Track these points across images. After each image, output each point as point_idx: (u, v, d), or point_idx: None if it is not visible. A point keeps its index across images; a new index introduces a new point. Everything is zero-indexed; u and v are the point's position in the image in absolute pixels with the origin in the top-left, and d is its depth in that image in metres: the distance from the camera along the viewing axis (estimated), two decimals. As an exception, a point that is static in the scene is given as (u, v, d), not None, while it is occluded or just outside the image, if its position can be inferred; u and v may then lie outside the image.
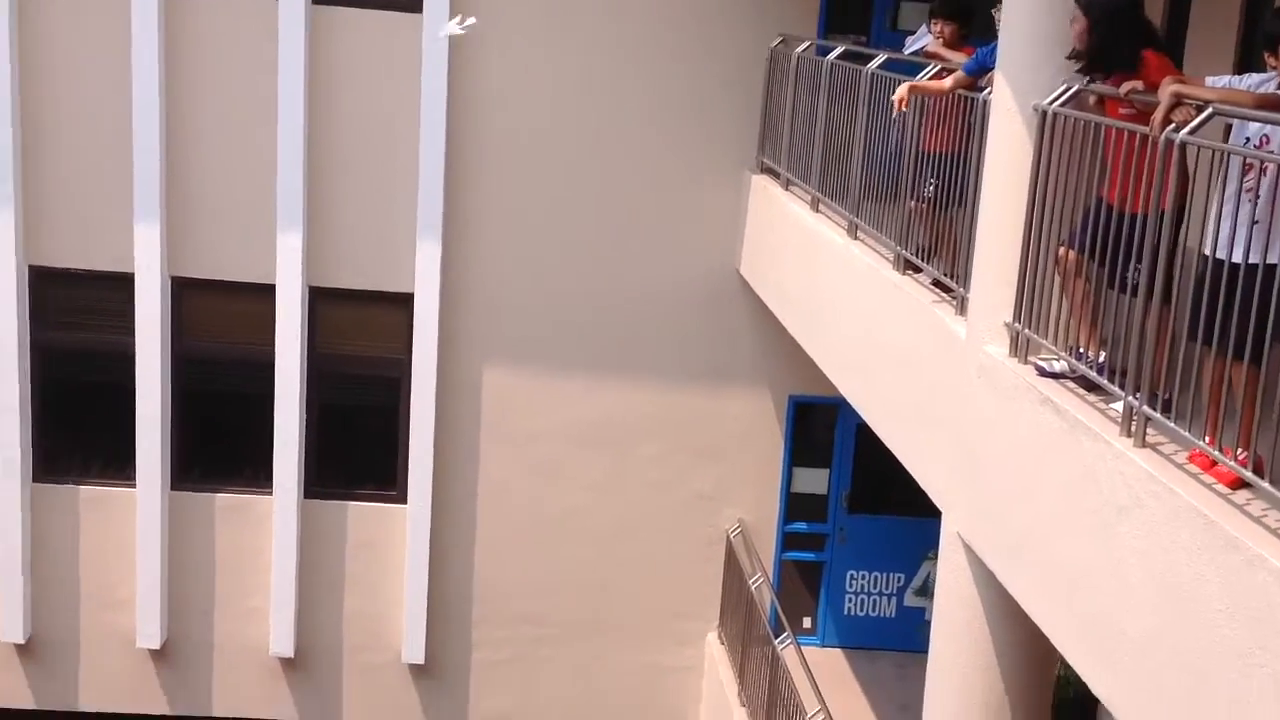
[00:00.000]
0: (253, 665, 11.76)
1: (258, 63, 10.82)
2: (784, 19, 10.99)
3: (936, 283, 7.25)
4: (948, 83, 7.30)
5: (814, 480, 11.97)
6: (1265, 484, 4.26)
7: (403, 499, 11.60)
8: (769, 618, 10.42)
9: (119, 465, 11.48)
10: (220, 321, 11.55)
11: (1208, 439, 4.68)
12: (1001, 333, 6.15)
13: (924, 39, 8.74)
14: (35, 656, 11.67)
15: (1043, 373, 5.79)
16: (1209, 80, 5.42)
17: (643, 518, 11.81)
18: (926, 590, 11.74)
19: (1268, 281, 4.34)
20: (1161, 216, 4.99)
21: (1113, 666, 4.84)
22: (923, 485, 6.98)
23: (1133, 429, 4.95)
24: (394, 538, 11.66)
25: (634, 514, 11.80)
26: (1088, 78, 5.83)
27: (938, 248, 7.37)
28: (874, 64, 8.36)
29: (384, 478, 11.73)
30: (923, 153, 7.54)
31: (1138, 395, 4.96)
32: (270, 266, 11.10)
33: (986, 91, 6.63)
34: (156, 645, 11.57)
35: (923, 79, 7.62)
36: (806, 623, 12.05)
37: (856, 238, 8.44)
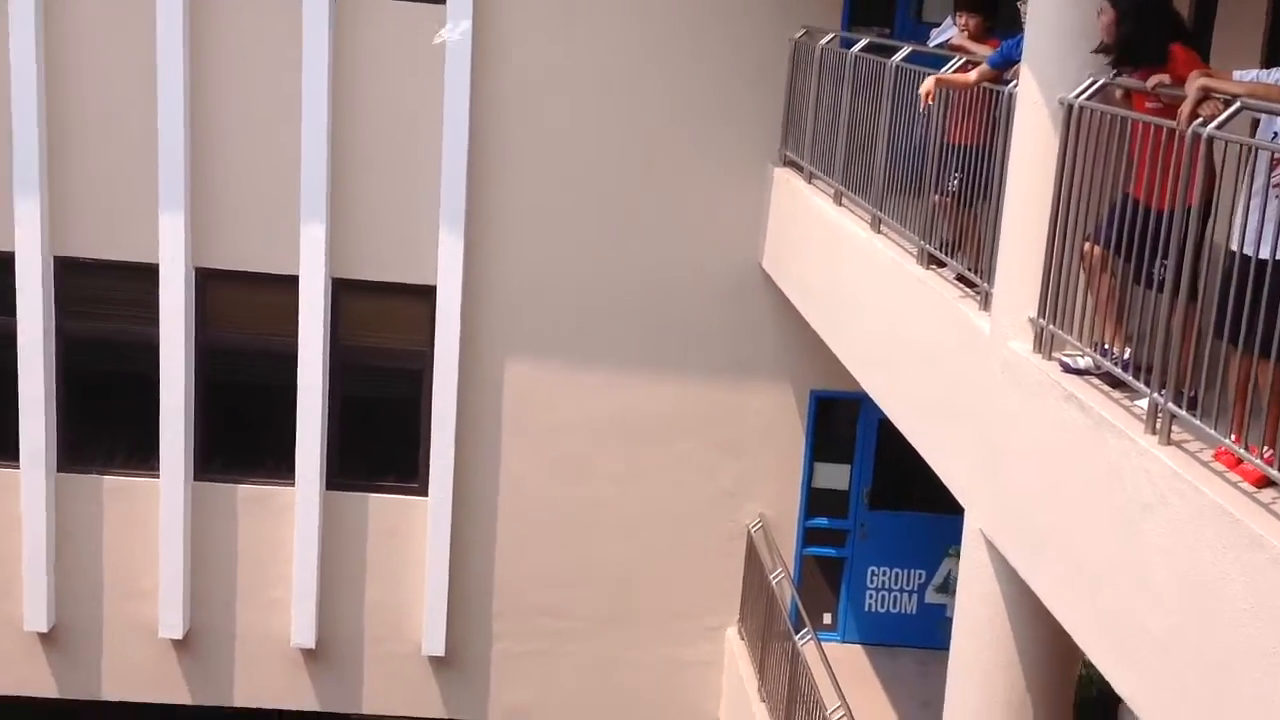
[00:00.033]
0: (274, 656, 11.81)
1: (282, 55, 10.83)
2: (807, 11, 10.95)
3: (960, 277, 7.21)
4: (972, 76, 7.26)
5: (835, 476, 11.93)
6: (1292, 482, 4.22)
7: (424, 491, 11.62)
8: (789, 613, 10.39)
9: (142, 455, 11.53)
10: (244, 313, 11.59)
11: (1233, 437, 4.64)
12: (1026, 328, 6.11)
13: (949, 31, 8.69)
14: (59, 646, 11.74)
15: (1067, 369, 5.74)
16: (1236, 74, 5.36)
17: (664, 512, 11.80)
18: (948, 587, 11.70)
19: (1295, 278, 4.29)
20: (1188, 212, 4.94)
21: (1136, 665, 4.80)
22: (945, 481, 6.94)
23: (1158, 426, 4.91)
24: (415, 530, 11.68)
25: (655, 508, 11.79)
26: (1115, 71, 5.78)
27: (962, 242, 7.33)
28: (898, 56, 8.31)
29: (405, 470, 11.74)
30: (947, 146, 7.49)
31: (1163, 392, 4.92)
32: (294, 258, 11.13)
33: (1012, 84, 6.58)
34: (179, 635, 11.62)
35: (947, 72, 7.57)
36: (827, 619, 12.02)
37: (880, 232, 8.40)
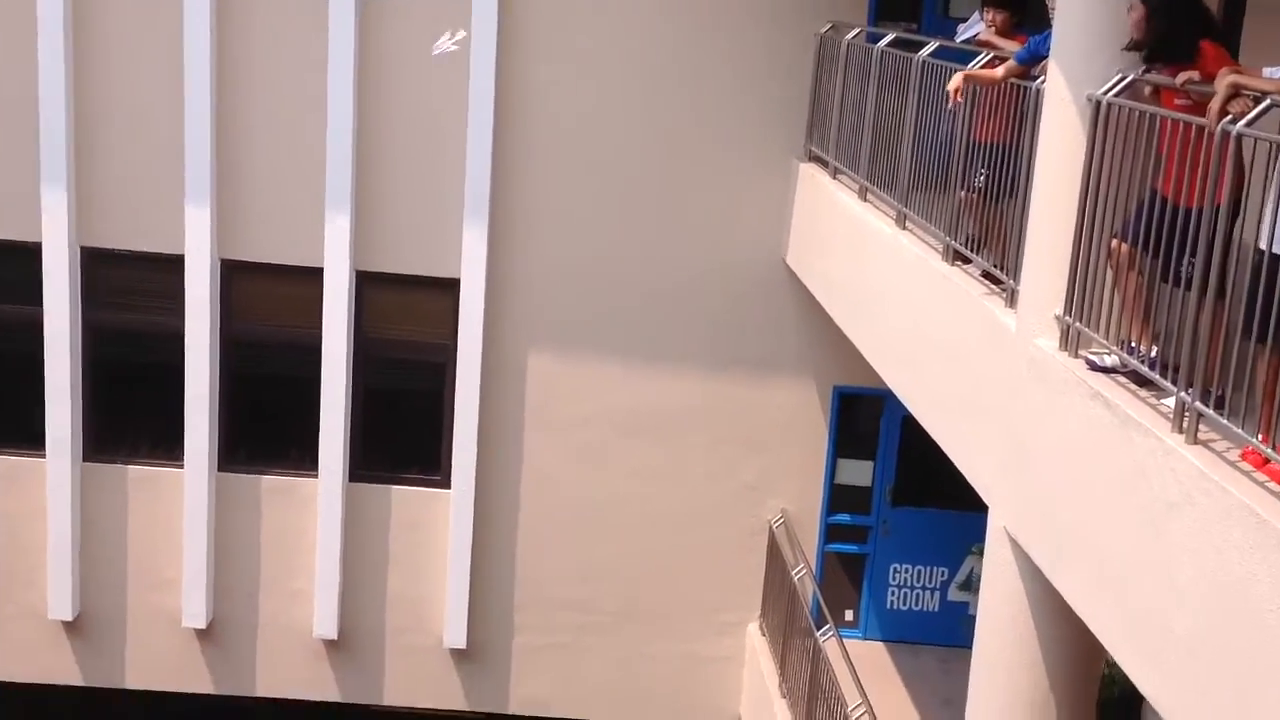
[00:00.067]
0: (296, 647, 11.85)
1: (309, 48, 10.86)
2: (834, 6, 10.90)
3: (986, 274, 7.18)
4: (999, 72, 7.23)
5: (858, 472, 11.89)
6: (1320, 483, 4.19)
7: (446, 484, 11.64)
8: (811, 609, 10.36)
9: (167, 446, 11.58)
10: (268, 305, 11.62)
11: (1261, 436, 4.60)
12: (1052, 326, 6.08)
13: (976, 27, 8.65)
14: (83, 634, 11.81)
15: (1094, 367, 5.71)
16: (1266, 71, 5.32)
17: (686, 507, 11.80)
18: (970, 585, 11.66)
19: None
20: (1217, 210, 4.91)
21: (1160, 665, 4.78)
22: (969, 479, 6.92)
23: (1184, 425, 4.88)
24: (437, 522, 11.71)
25: (677, 503, 11.79)
26: (1144, 67, 5.74)
27: (987, 239, 7.29)
28: (925, 52, 8.28)
29: (428, 462, 11.77)
30: (973, 142, 7.45)
31: (1190, 391, 4.89)
32: (318, 251, 11.16)
33: (1040, 80, 6.54)
34: (202, 625, 11.68)
35: (974, 67, 7.53)
36: (848, 615, 11.99)
37: (905, 228, 8.37)
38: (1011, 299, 6.63)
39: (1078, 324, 5.88)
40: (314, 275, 11.23)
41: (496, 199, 11.19)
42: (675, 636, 12.00)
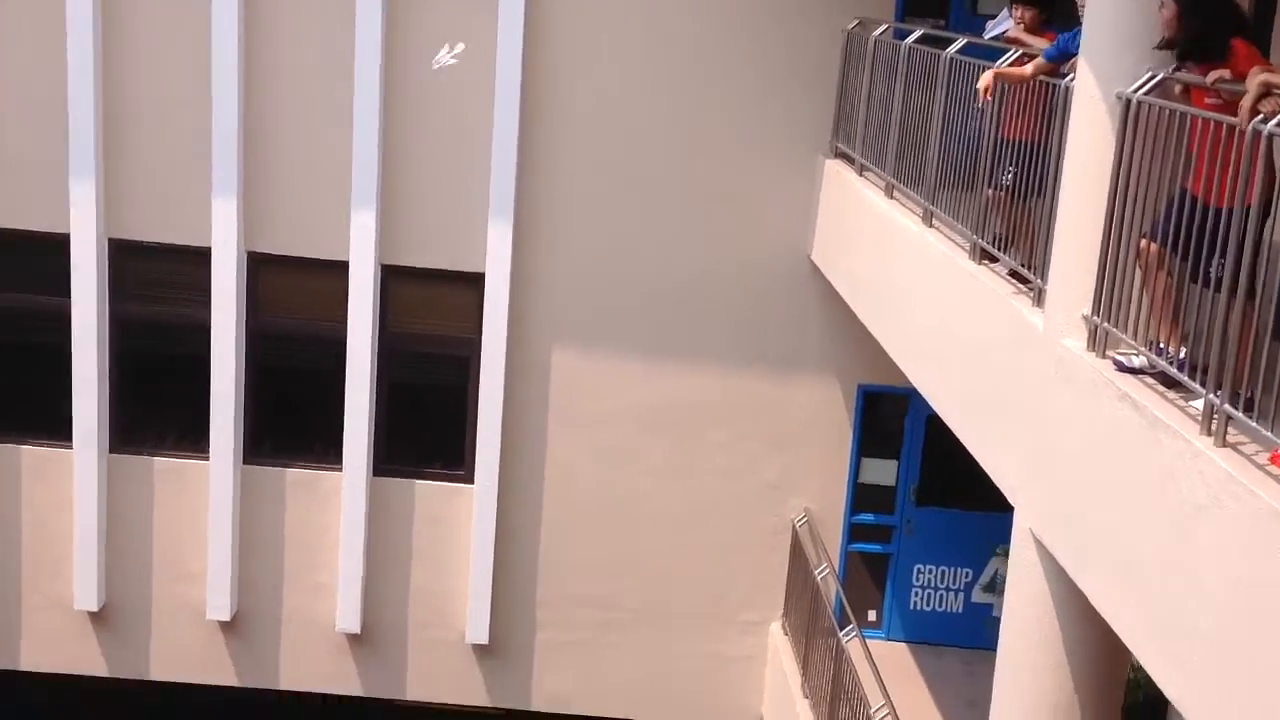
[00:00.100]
0: (319, 640, 11.89)
1: (336, 43, 10.88)
2: (861, 2, 10.85)
3: (1013, 273, 7.13)
4: (1028, 69, 7.18)
5: (882, 471, 11.84)
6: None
7: (470, 479, 11.65)
8: (834, 609, 10.32)
9: (193, 438, 11.62)
10: (294, 298, 11.65)
11: (1291, 439, 4.55)
12: (1080, 326, 6.03)
13: (1005, 24, 8.58)
14: (108, 625, 11.88)
15: (1122, 368, 5.67)
16: (1300, 69, 5.25)
17: (708, 504, 11.77)
18: (994, 586, 11.60)
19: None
20: (1247, 210, 4.85)
21: (1185, 668, 4.73)
22: (995, 479, 6.88)
23: (1213, 428, 4.83)
24: (460, 517, 11.72)
25: (700, 500, 11.77)
26: (1174, 66, 5.68)
27: (1015, 237, 7.24)
28: (953, 48, 8.23)
29: (452, 457, 11.78)
30: (1002, 139, 7.40)
31: (1219, 393, 4.84)
32: (344, 244, 11.18)
33: (1069, 78, 6.49)
34: (226, 618, 11.72)
35: (1003, 65, 7.48)
36: (871, 616, 11.94)
37: (931, 225, 8.32)
38: (1039, 298, 6.59)
39: (1106, 324, 5.83)
40: (339, 269, 11.25)
41: (521, 194, 11.19)
42: (698, 635, 11.98)
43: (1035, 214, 6.94)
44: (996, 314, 6.98)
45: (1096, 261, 5.93)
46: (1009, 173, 7.25)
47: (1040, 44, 7.64)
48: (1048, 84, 6.90)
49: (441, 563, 11.82)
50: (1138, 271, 5.75)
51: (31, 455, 11.61)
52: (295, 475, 11.71)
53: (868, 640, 9.71)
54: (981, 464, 7.09)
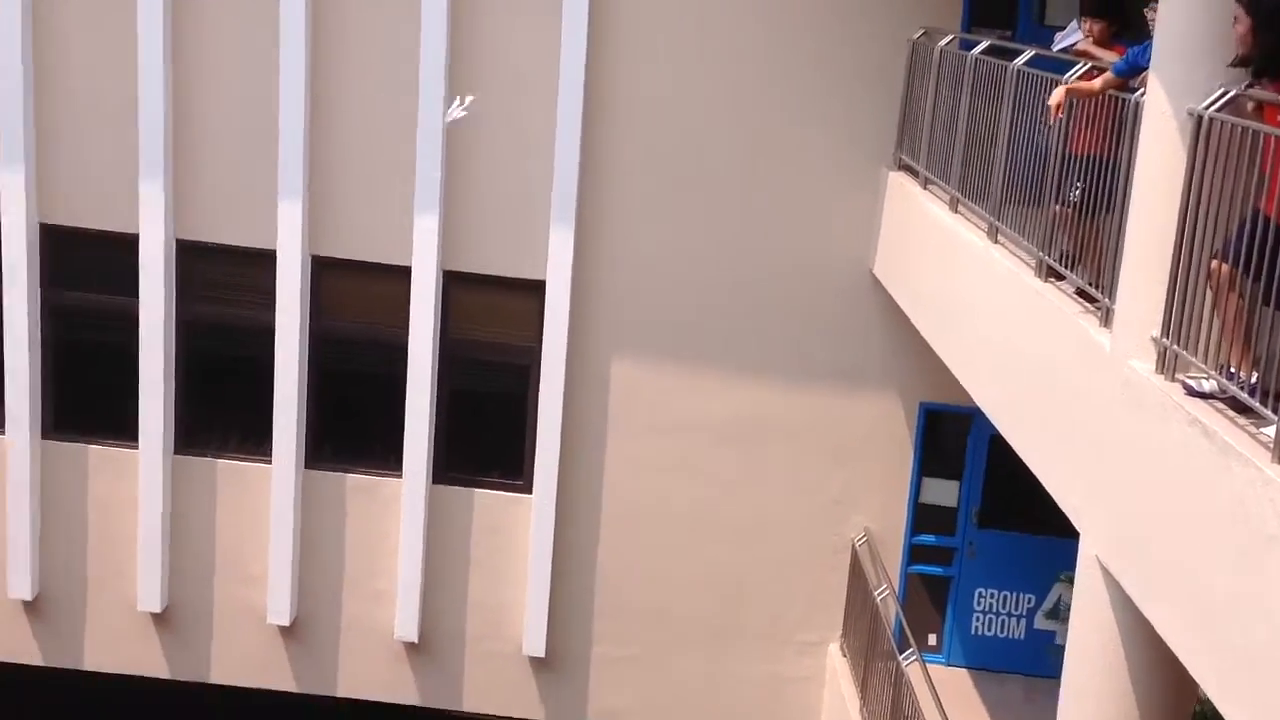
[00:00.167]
0: (377, 648, 11.91)
1: (401, 46, 10.92)
2: (926, 12, 10.73)
3: (1080, 292, 6.99)
4: (1097, 83, 7.04)
5: (943, 492, 11.65)
6: None
7: (528, 489, 11.64)
8: (893, 632, 10.17)
9: (256, 440, 11.69)
10: (356, 302, 11.71)
11: (1367, 471, 4.39)
12: (1148, 347, 5.88)
13: (1073, 35, 8.43)
14: (170, 627, 11.98)
15: (1191, 391, 5.52)
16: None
17: (768, 520, 11.66)
18: (1057, 613, 11.38)
19: None
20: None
21: (1254, 702, 4.59)
22: (1060, 503, 6.73)
23: (1286, 456, 4.68)
24: (518, 527, 11.70)
25: (759, 515, 11.66)
26: (1248, 82, 5.53)
27: (1082, 255, 7.10)
28: (1020, 60, 8.09)
29: (511, 466, 11.77)
30: (1069, 154, 7.26)
31: (1292, 420, 4.69)
32: (407, 249, 11.21)
33: (1139, 92, 6.34)
34: (286, 622, 11.78)
35: (1072, 78, 7.33)
36: (931, 639, 11.73)
37: (997, 241, 8.18)
38: (1106, 318, 6.44)
39: (1175, 346, 5.68)
40: (402, 274, 11.28)
41: (583, 202, 11.17)
42: (755, 654, 11.86)
43: (1103, 231, 6.80)
44: (1062, 333, 6.84)
45: (1166, 282, 5.78)
46: (1076, 188, 7.11)
47: (1109, 57, 7.49)
48: (1117, 98, 6.76)
49: (499, 573, 11.81)
50: (1208, 293, 5.60)
51: (97, 455, 11.75)
52: (355, 481, 11.76)
53: (928, 665, 9.55)
54: (1046, 487, 6.95)
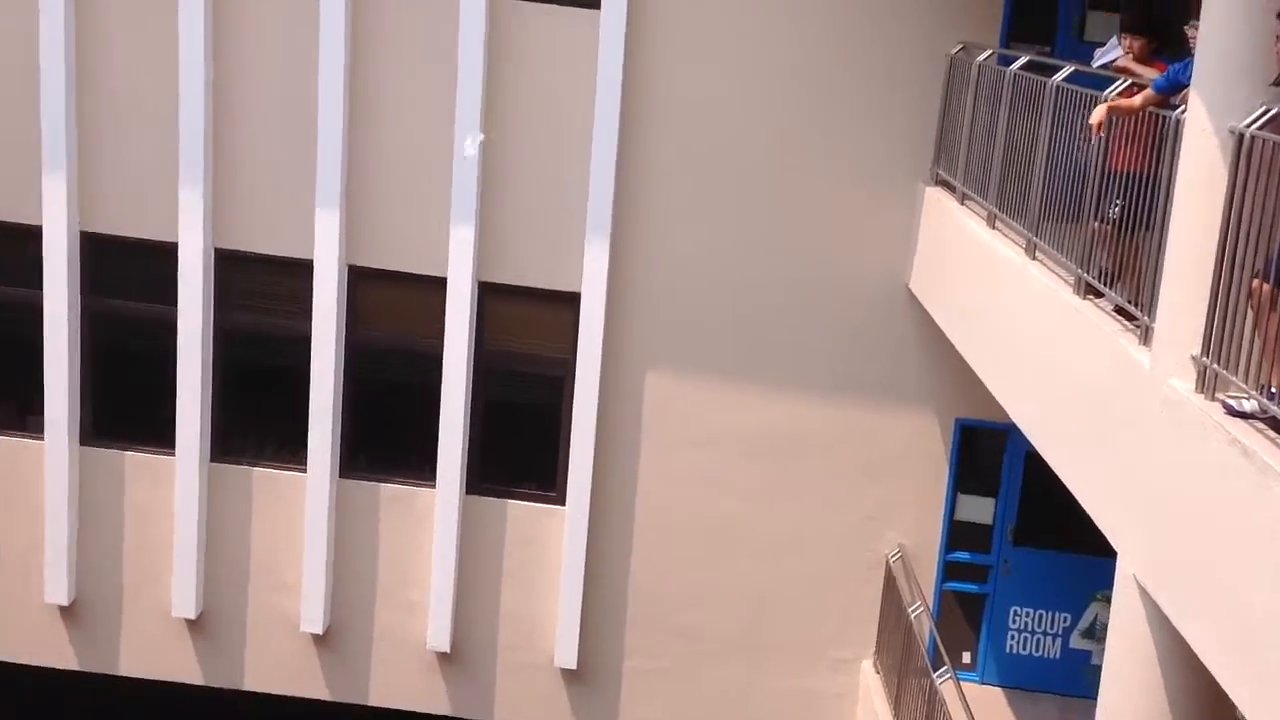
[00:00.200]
0: (410, 658, 11.92)
1: (438, 57, 10.96)
2: (965, 27, 10.69)
3: (1119, 310, 6.94)
4: (1137, 100, 6.99)
5: (979, 509, 11.58)
6: None
7: (561, 500, 11.64)
8: (927, 649, 10.11)
9: (291, 449, 11.75)
10: (392, 312, 11.76)
11: None
12: (1188, 366, 5.83)
13: (1113, 52, 8.38)
14: (204, 634, 12.04)
15: (1231, 411, 5.47)
16: None
17: (801, 534, 11.62)
18: (1093, 633, 11.27)
19: None
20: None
21: (1294, 729, 4.54)
22: (1097, 522, 6.68)
23: (1327, 478, 4.64)
24: (551, 539, 11.71)
25: (793, 530, 11.61)
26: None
27: (1122, 273, 7.05)
28: (1059, 76, 8.05)
29: (544, 478, 11.78)
30: (1109, 171, 7.22)
31: (1334, 442, 4.64)
32: (442, 259, 11.24)
33: (1180, 110, 6.31)
34: (319, 630, 11.81)
35: (1112, 94, 7.29)
36: (966, 657, 11.64)
37: (1035, 258, 8.14)
38: (1146, 336, 6.40)
39: (1215, 365, 5.63)
40: (437, 284, 11.32)
41: (619, 214, 11.19)
42: (788, 669, 11.81)
43: (1143, 249, 6.75)
44: (1101, 351, 6.79)
45: (1206, 300, 5.73)
46: (1116, 205, 7.06)
47: (1149, 74, 7.45)
48: (1158, 115, 6.71)
49: (532, 584, 11.81)
50: (1249, 312, 5.55)
51: (135, 461, 11.83)
52: (389, 490, 11.79)
53: (962, 683, 9.48)
54: (1083, 505, 6.90)
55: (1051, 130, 8.03)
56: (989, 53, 9.84)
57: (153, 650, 12.07)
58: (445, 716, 12.14)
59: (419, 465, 11.71)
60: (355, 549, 11.82)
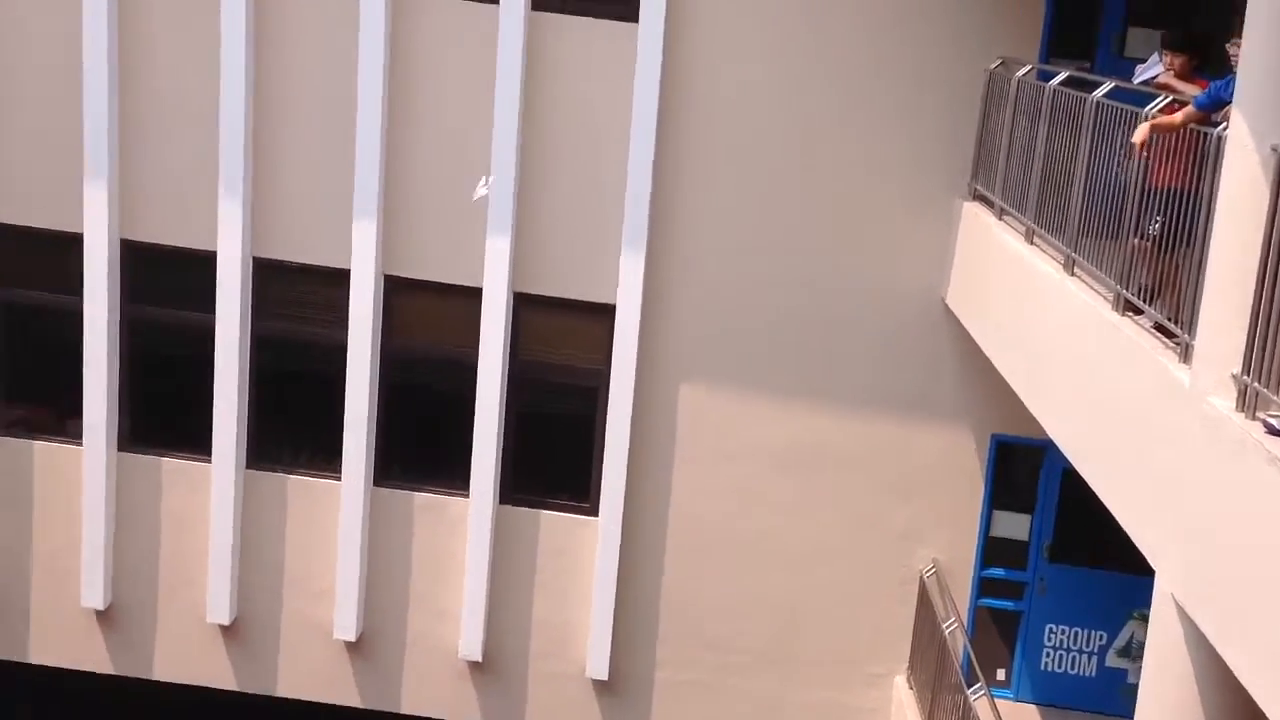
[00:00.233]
0: (442, 666, 11.96)
1: (476, 69, 11.02)
2: (1004, 42, 10.67)
3: (1159, 327, 6.90)
4: (1178, 117, 6.95)
5: (1014, 525, 11.51)
6: None
7: (594, 511, 11.65)
8: (961, 665, 10.05)
9: (326, 457, 11.80)
10: (427, 322, 11.81)
11: None
12: (1229, 385, 5.79)
13: (1154, 69, 8.34)
14: (238, 639, 12.11)
15: (1272, 430, 5.42)
16: None
17: (835, 548, 11.58)
18: (1130, 651, 11.17)
19: None
20: None
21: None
22: (1135, 540, 6.63)
23: (1370, 499, 4.59)
24: (584, 550, 11.72)
25: (826, 543, 11.58)
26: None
27: (1161, 290, 7.01)
28: (1100, 92, 8.01)
29: (577, 489, 11.79)
30: (1149, 187, 7.18)
31: (1378, 463, 4.60)
32: (478, 270, 11.29)
33: (1221, 127, 6.27)
34: (352, 637, 11.86)
35: (1153, 111, 7.25)
36: (1000, 674, 11.56)
37: (1073, 274, 8.10)
38: (1186, 354, 6.35)
39: (1256, 384, 5.59)
40: (473, 295, 11.36)
41: (655, 227, 11.20)
42: (820, 684, 11.77)
43: (1183, 266, 6.71)
44: (1140, 368, 6.75)
45: (1247, 318, 5.69)
46: (1156, 222, 7.02)
47: (1190, 90, 7.40)
48: (1199, 132, 6.68)
49: (564, 595, 11.82)
50: (1292, 331, 5.51)
51: (171, 467, 11.93)
52: (423, 499, 11.83)
53: (996, 700, 9.42)
54: (1121, 523, 6.84)
55: (1091, 146, 8.00)
56: (1028, 68, 9.82)
57: (187, 655, 12.15)
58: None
59: (453, 474, 11.74)
60: (389, 557, 11.87)
